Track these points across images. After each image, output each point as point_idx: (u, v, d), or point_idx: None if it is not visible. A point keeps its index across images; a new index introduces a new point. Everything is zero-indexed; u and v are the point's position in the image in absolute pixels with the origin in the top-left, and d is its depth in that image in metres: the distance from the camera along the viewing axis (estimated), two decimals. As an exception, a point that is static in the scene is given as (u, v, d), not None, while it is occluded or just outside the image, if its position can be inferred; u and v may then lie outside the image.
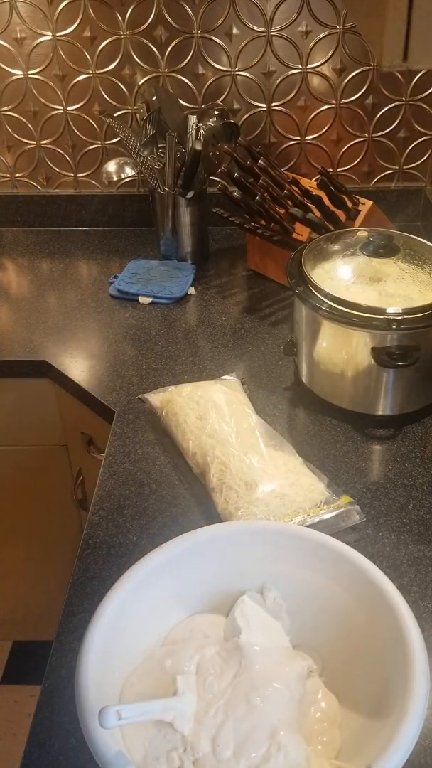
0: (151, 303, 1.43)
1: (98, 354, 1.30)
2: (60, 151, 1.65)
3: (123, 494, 0.99)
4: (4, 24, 1.48)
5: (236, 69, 1.52)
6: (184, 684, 0.65)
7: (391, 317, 0.99)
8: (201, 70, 1.52)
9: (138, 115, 1.57)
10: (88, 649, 0.63)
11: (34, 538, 1.60)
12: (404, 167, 1.62)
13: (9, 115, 1.60)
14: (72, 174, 1.68)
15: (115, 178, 1.57)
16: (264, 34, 1.47)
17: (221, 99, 1.55)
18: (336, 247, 1.13)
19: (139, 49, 1.50)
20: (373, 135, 1.58)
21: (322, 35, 1.46)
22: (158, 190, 1.48)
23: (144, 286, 1.45)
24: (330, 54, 1.48)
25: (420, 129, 1.57)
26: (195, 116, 1.46)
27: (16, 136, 1.63)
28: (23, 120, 1.60)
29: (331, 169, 1.60)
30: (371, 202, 1.32)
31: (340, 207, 1.30)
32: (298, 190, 1.31)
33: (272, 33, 1.47)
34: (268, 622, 0.73)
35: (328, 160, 1.61)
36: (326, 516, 0.91)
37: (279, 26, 1.46)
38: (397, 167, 1.62)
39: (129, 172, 1.55)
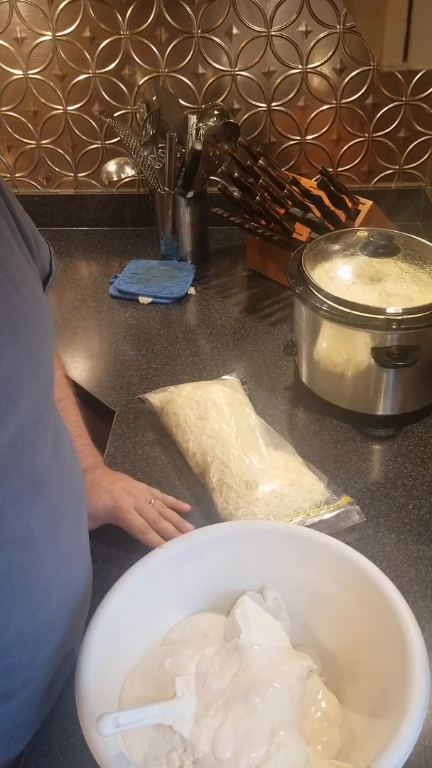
0: (151, 303, 1.43)
1: (98, 354, 1.30)
2: (60, 151, 1.64)
3: (123, 494, 0.98)
4: (4, 24, 1.48)
5: (236, 69, 1.51)
6: (183, 686, 0.65)
7: (391, 317, 0.99)
8: (201, 70, 1.52)
9: (138, 115, 1.57)
10: (88, 649, 0.63)
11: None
12: (404, 167, 1.62)
13: (9, 115, 1.60)
14: (72, 174, 1.68)
15: (115, 178, 1.57)
16: (264, 34, 1.47)
17: (221, 99, 1.55)
18: (336, 247, 1.13)
19: (139, 49, 1.50)
20: (373, 135, 1.58)
21: (322, 35, 1.46)
22: (158, 190, 1.48)
23: (144, 286, 1.45)
24: (330, 54, 1.48)
25: (420, 129, 1.56)
26: (195, 116, 1.46)
27: (16, 136, 1.63)
28: (23, 120, 1.60)
29: (331, 169, 1.60)
30: (371, 202, 1.32)
31: (340, 207, 1.30)
32: (298, 190, 1.31)
33: (272, 33, 1.47)
34: (268, 622, 0.73)
35: (328, 160, 1.61)
36: (326, 516, 0.91)
37: (279, 26, 1.46)
38: (397, 167, 1.62)
39: (129, 172, 1.55)
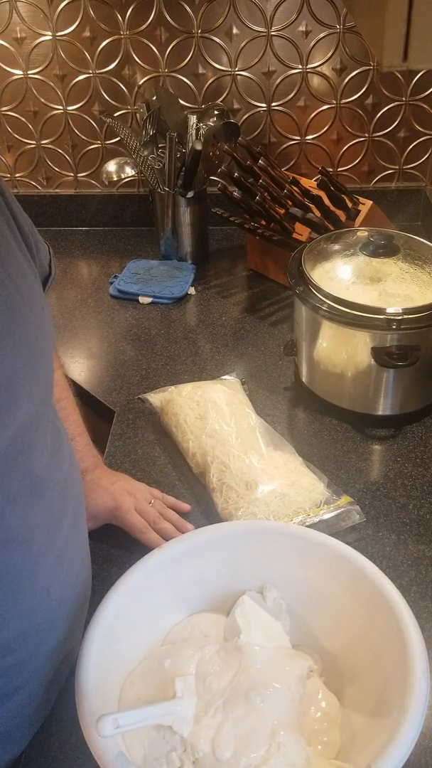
0: (151, 303, 1.43)
1: (98, 354, 1.30)
2: (60, 151, 1.64)
3: (123, 494, 0.98)
4: (4, 24, 1.48)
5: (236, 69, 1.51)
6: (182, 687, 0.65)
7: (391, 317, 0.99)
8: (201, 70, 1.52)
9: (138, 115, 1.57)
10: (88, 648, 0.63)
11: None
12: (404, 167, 1.62)
13: (9, 115, 1.60)
14: (72, 174, 1.68)
15: (115, 178, 1.57)
16: (264, 34, 1.47)
17: (221, 99, 1.55)
18: (336, 247, 1.13)
19: (139, 49, 1.50)
20: (373, 135, 1.58)
21: (322, 35, 1.46)
22: (158, 190, 1.48)
23: (144, 286, 1.45)
24: (330, 54, 1.48)
25: (420, 129, 1.57)
26: (195, 116, 1.46)
27: (16, 136, 1.63)
28: (23, 120, 1.60)
29: (331, 169, 1.60)
30: (371, 202, 1.32)
31: (340, 207, 1.30)
32: (298, 190, 1.31)
33: (272, 33, 1.47)
34: (268, 622, 0.73)
35: (328, 160, 1.61)
36: (326, 516, 0.91)
37: (279, 26, 1.46)
38: (397, 167, 1.62)
39: (129, 172, 1.55)
